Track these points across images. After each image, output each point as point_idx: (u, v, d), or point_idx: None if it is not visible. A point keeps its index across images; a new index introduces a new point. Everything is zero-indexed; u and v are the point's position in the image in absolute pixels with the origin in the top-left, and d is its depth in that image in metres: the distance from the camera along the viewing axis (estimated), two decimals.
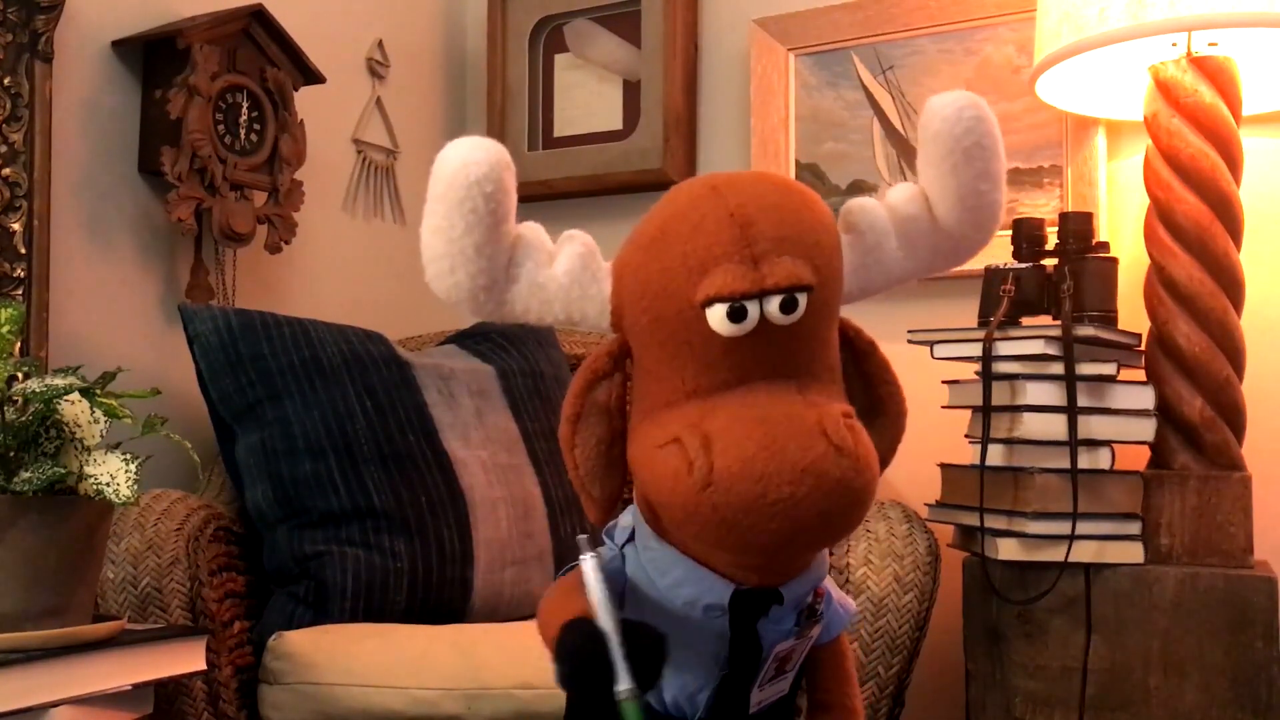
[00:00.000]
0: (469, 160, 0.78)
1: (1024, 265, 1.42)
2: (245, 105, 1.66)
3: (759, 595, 0.83)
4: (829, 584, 0.94)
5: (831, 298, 0.81)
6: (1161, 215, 1.41)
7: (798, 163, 1.93)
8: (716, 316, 0.76)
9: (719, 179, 0.81)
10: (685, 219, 0.79)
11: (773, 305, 0.76)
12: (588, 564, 0.80)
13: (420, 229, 0.82)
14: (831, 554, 1.38)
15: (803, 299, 0.77)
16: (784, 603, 0.84)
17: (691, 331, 0.78)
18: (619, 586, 0.88)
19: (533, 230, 0.83)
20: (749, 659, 0.86)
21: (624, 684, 0.75)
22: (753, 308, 0.76)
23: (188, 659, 1.17)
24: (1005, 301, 1.39)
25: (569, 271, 0.82)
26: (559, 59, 2.16)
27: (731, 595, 0.83)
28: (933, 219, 0.84)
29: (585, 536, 0.83)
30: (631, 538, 0.88)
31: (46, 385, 1.04)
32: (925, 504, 1.49)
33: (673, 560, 0.84)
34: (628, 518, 0.90)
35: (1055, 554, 1.32)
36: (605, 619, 0.77)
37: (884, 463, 0.83)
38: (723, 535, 0.75)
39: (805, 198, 0.82)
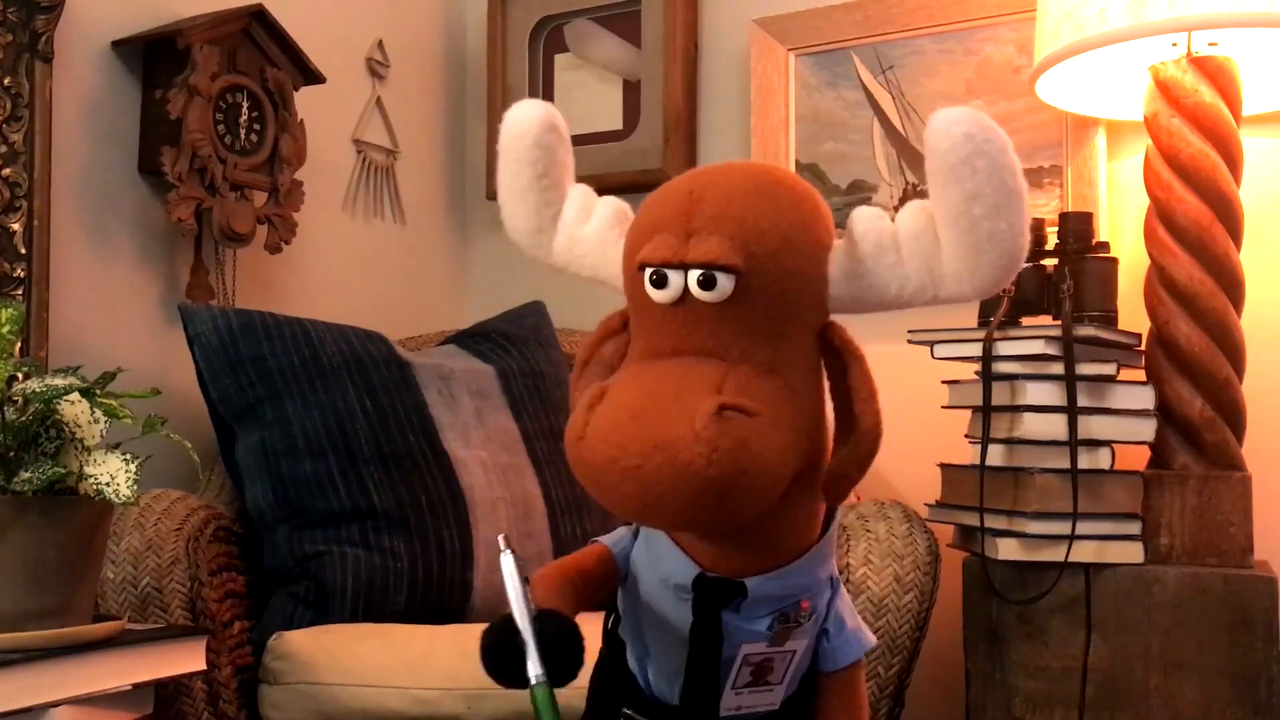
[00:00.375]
0: (517, 118, 0.90)
1: (1024, 265, 1.42)
2: (245, 105, 1.66)
3: (721, 583, 0.85)
4: (845, 610, 0.94)
5: (777, 291, 0.80)
6: (1161, 215, 1.41)
7: (798, 163, 1.93)
8: (646, 281, 0.81)
9: (717, 165, 0.86)
10: (663, 191, 0.85)
11: (693, 279, 0.79)
12: (505, 561, 0.85)
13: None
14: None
15: (723, 279, 0.79)
16: (749, 597, 0.85)
17: (640, 295, 0.83)
18: (621, 569, 0.91)
19: (581, 190, 0.93)
20: (709, 648, 0.86)
21: (534, 672, 0.80)
22: (675, 278, 0.80)
23: (188, 659, 1.17)
24: (1005, 301, 1.39)
25: (598, 230, 0.91)
26: (559, 59, 2.16)
27: (695, 578, 0.85)
28: (937, 241, 0.80)
29: (504, 535, 0.90)
30: None
31: (46, 385, 1.04)
32: (925, 504, 1.49)
33: (659, 536, 0.88)
34: None
35: (1055, 554, 1.32)
36: (519, 614, 0.82)
37: (852, 476, 0.82)
38: (592, 488, 0.79)
39: (778, 190, 0.82)
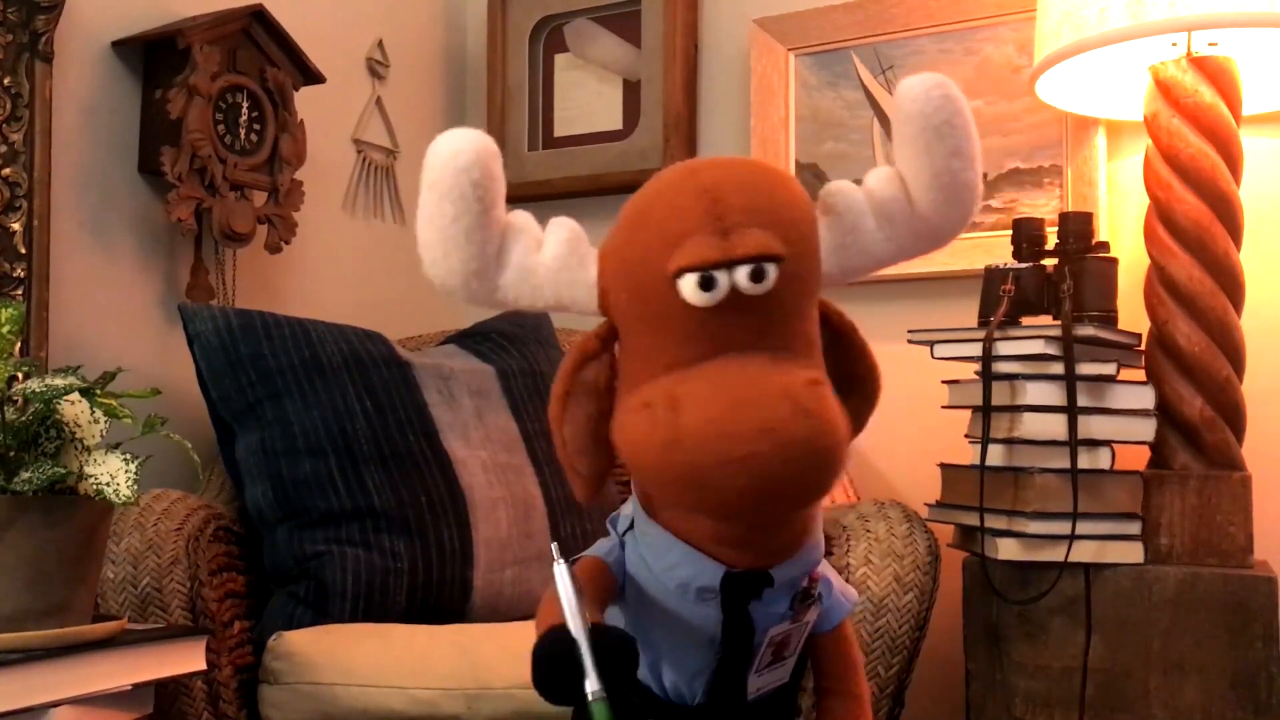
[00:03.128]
0: (457, 149, 0.82)
1: (1024, 265, 1.42)
2: (245, 105, 1.66)
3: (750, 577, 0.85)
4: (829, 572, 0.96)
5: (805, 272, 0.82)
6: (1161, 215, 1.41)
7: (798, 163, 1.93)
8: (689, 286, 0.79)
9: (699, 162, 0.85)
10: (663, 198, 0.83)
11: (741, 275, 0.78)
12: (559, 571, 0.82)
13: (416, 219, 0.87)
14: (831, 554, 1.38)
15: (772, 269, 0.79)
16: (775, 584, 0.85)
17: (668, 304, 0.80)
18: (618, 579, 0.90)
19: (522, 218, 0.87)
20: (742, 642, 0.87)
21: (592, 685, 0.77)
22: (722, 277, 0.78)
23: (188, 659, 1.17)
24: (1005, 301, 1.39)
25: (557, 256, 0.85)
26: (559, 59, 2.16)
27: (723, 577, 0.84)
28: (910, 201, 0.84)
29: (556, 544, 0.85)
30: (632, 526, 0.90)
31: (46, 385, 1.04)
32: (925, 504, 1.49)
33: (668, 544, 0.86)
34: (629, 506, 0.92)
35: (1055, 554, 1.32)
36: (575, 624, 0.79)
37: (855, 431, 0.84)
38: (691, 494, 0.76)
39: (778, 176, 0.84)
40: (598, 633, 0.79)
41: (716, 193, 0.80)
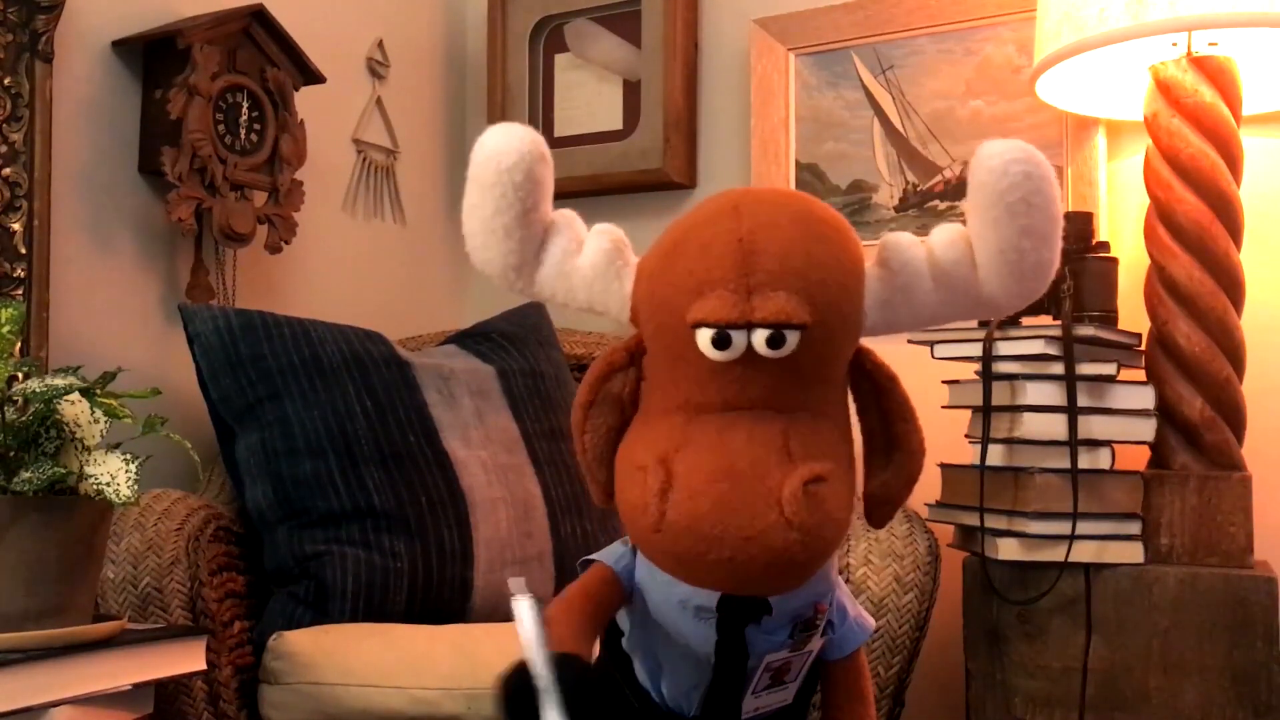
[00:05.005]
0: (501, 149, 0.81)
1: None
2: (245, 105, 1.66)
3: (747, 603, 0.84)
4: (845, 598, 0.94)
5: (836, 336, 0.79)
6: (1161, 215, 1.41)
7: (798, 163, 1.93)
8: (704, 340, 0.77)
9: (745, 198, 0.81)
10: (699, 235, 0.80)
11: (759, 338, 0.76)
12: (521, 606, 0.81)
13: (462, 211, 0.86)
14: None
15: (792, 336, 0.76)
16: (774, 613, 0.85)
17: (686, 348, 0.79)
18: (626, 586, 0.89)
19: (566, 218, 0.86)
20: (735, 664, 0.86)
21: None
22: (739, 337, 0.76)
23: (188, 659, 1.17)
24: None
25: (594, 265, 0.84)
26: (559, 59, 2.16)
27: (720, 599, 0.84)
28: (974, 267, 0.80)
29: (520, 579, 0.84)
30: None
31: (46, 385, 1.04)
32: (925, 504, 1.49)
33: None
34: None
35: (1055, 554, 1.32)
36: (538, 662, 0.78)
37: (898, 500, 0.84)
38: (671, 571, 0.78)
39: (825, 230, 0.80)
40: (561, 668, 0.78)
41: (751, 244, 0.77)
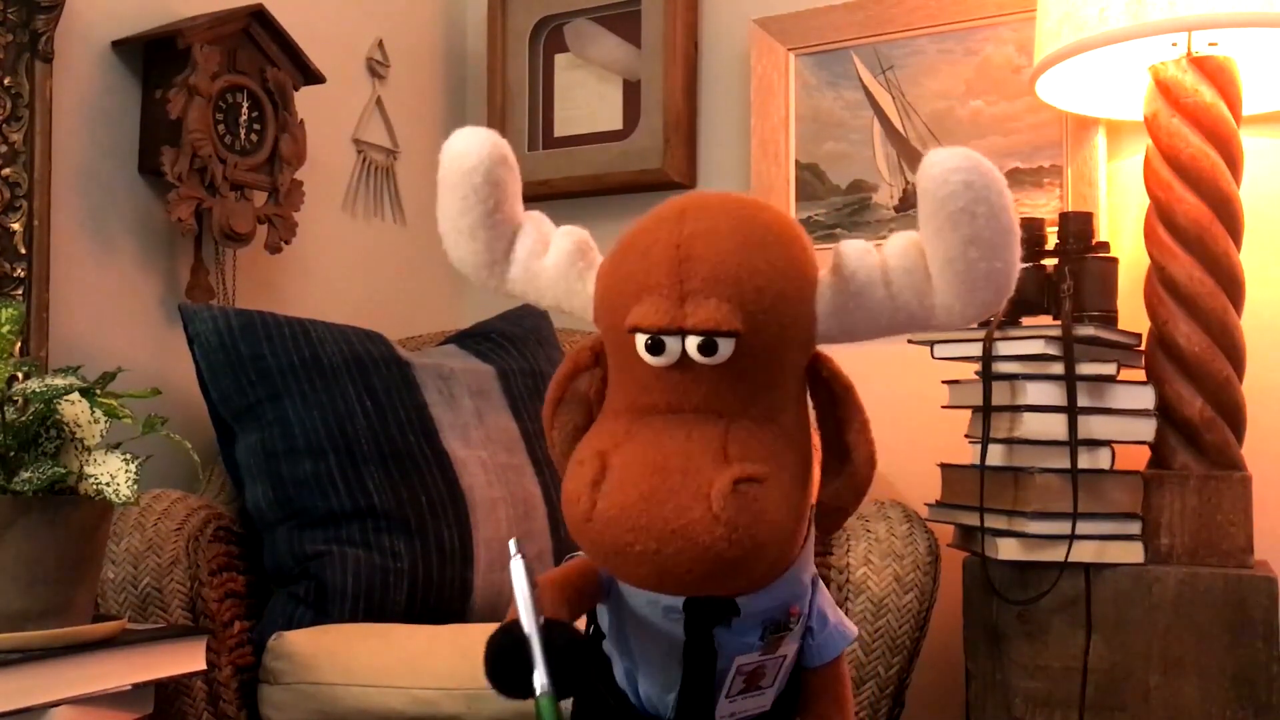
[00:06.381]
0: (462, 152, 0.83)
1: (1024, 265, 1.42)
2: (245, 105, 1.66)
3: (714, 604, 0.84)
4: (826, 605, 0.94)
5: (775, 344, 0.79)
6: (1161, 215, 1.41)
7: (798, 163, 1.93)
8: (640, 345, 0.78)
9: (692, 203, 0.81)
10: (643, 239, 0.81)
11: (692, 345, 0.76)
12: (515, 566, 0.82)
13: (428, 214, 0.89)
14: (831, 554, 1.38)
15: (724, 343, 0.76)
16: (741, 615, 0.84)
17: (630, 352, 0.79)
18: (605, 581, 0.89)
19: (534, 219, 0.87)
20: (704, 666, 0.86)
21: (540, 682, 0.77)
22: (672, 343, 0.77)
23: (188, 659, 1.17)
24: (1005, 301, 1.39)
25: (557, 266, 0.86)
26: (559, 59, 2.16)
27: (686, 600, 0.83)
28: (927, 276, 0.79)
29: (516, 540, 0.85)
30: None
31: (46, 385, 1.04)
32: (925, 504, 1.49)
33: None
34: None
35: (1055, 554, 1.32)
36: (528, 621, 0.79)
37: (848, 508, 0.83)
38: (602, 563, 0.78)
39: (767, 237, 0.79)
40: (550, 629, 0.79)
41: (687, 250, 0.77)
